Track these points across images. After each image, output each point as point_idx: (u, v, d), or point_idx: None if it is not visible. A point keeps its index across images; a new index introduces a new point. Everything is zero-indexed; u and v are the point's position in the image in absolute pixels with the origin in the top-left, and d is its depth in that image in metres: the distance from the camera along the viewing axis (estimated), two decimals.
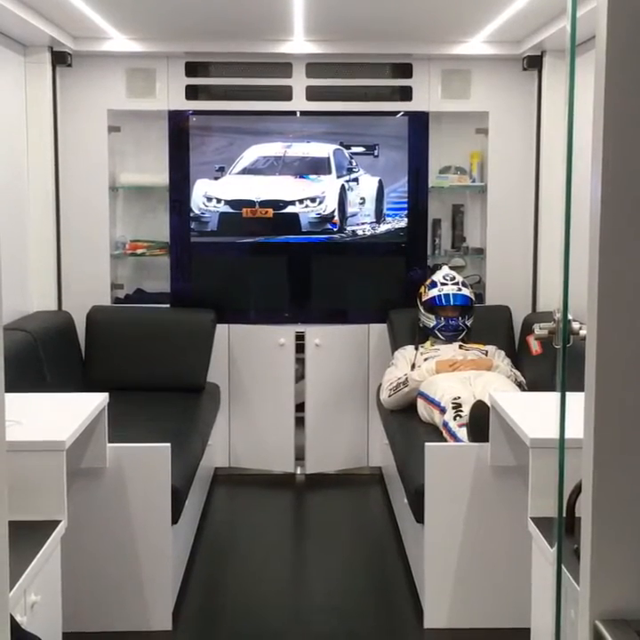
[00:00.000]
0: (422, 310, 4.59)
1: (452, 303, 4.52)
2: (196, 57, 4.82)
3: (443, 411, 3.82)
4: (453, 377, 4.07)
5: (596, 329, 1.31)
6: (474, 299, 4.61)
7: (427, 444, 3.23)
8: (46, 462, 2.56)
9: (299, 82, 4.85)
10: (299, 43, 4.67)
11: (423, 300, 4.59)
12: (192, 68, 4.85)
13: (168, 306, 4.94)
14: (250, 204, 4.87)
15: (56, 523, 2.56)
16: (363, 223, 4.95)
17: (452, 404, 3.76)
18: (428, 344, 4.53)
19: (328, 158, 4.89)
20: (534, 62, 4.71)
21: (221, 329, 4.85)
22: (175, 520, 3.22)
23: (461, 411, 3.69)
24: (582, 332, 1.65)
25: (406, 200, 4.94)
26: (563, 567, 1.84)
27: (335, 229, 4.92)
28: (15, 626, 2.01)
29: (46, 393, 3.60)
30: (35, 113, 4.57)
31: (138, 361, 4.62)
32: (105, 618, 3.18)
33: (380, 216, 4.95)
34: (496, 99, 4.88)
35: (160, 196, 4.99)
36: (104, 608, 3.18)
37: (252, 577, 3.72)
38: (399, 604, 3.46)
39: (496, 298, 4.94)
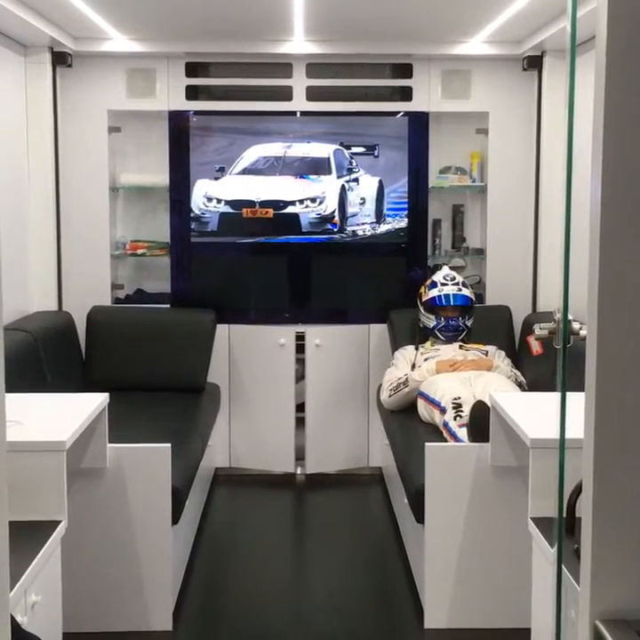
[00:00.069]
0: (422, 310, 4.59)
1: (452, 303, 4.52)
2: (197, 57, 4.82)
3: (443, 411, 3.82)
4: (454, 377, 4.07)
5: (597, 329, 1.31)
6: (474, 299, 4.61)
7: (427, 444, 3.23)
8: (46, 462, 2.56)
9: (299, 82, 4.85)
10: (299, 43, 4.67)
11: (423, 300, 4.59)
12: (192, 69, 4.86)
13: (168, 306, 4.94)
14: (250, 204, 4.87)
15: (56, 523, 2.56)
16: (363, 223, 4.95)
17: (453, 404, 3.76)
18: (428, 344, 4.53)
19: (328, 158, 4.89)
20: (534, 62, 4.71)
21: (222, 329, 4.85)
22: (175, 520, 3.22)
23: (462, 411, 3.69)
24: (582, 333, 1.65)
25: (406, 200, 4.94)
26: (563, 567, 1.84)
27: (335, 230, 4.92)
28: (15, 626, 2.01)
29: (47, 393, 3.60)
30: (35, 113, 4.57)
31: (138, 361, 4.62)
32: (105, 618, 3.18)
33: (380, 216, 4.95)
34: (496, 99, 4.88)
35: (160, 197, 4.99)
36: (104, 608, 3.18)
37: (253, 577, 3.72)
38: (399, 605, 3.46)
39: (496, 298, 4.95)
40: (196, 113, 4.88)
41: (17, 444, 2.46)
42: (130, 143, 5.03)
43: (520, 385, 4.20)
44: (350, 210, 4.92)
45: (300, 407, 4.91)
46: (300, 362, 4.89)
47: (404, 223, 4.96)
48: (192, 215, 4.89)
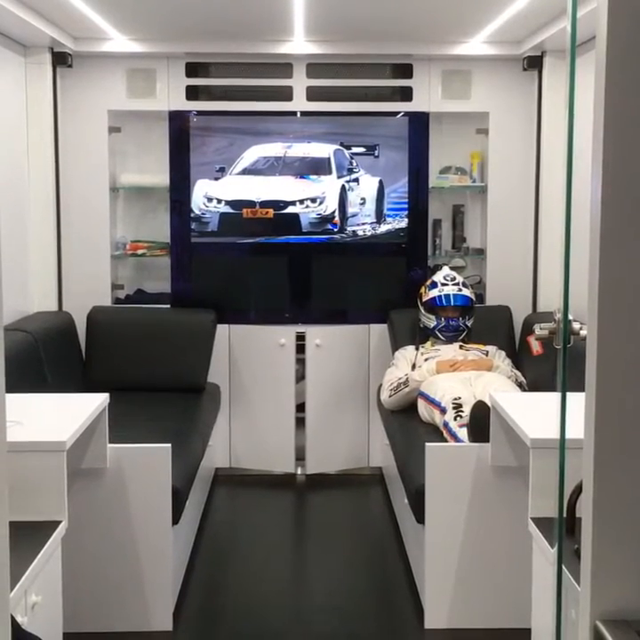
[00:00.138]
0: (423, 311, 4.59)
1: (452, 303, 4.52)
2: (197, 57, 4.82)
3: (443, 411, 3.82)
4: (454, 377, 4.07)
5: (597, 329, 1.31)
6: (474, 299, 4.61)
7: (427, 444, 3.23)
8: (47, 463, 2.56)
9: (299, 82, 4.85)
10: (299, 43, 4.68)
11: (423, 300, 4.59)
12: (192, 69, 4.86)
13: (168, 306, 4.94)
14: (250, 204, 4.87)
15: (56, 523, 2.56)
16: (363, 223, 4.95)
17: (453, 404, 3.76)
18: (428, 344, 4.53)
19: (328, 158, 4.89)
20: (534, 62, 4.71)
21: (222, 329, 4.85)
22: (176, 520, 3.22)
23: (462, 411, 3.69)
24: (583, 333, 1.65)
25: (407, 200, 4.94)
26: (563, 567, 1.84)
27: (335, 230, 4.92)
28: (16, 626, 2.01)
29: (47, 393, 3.60)
30: (35, 114, 4.57)
31: (138, 361, 4.62)
32: (105, 618, 3.18)
33: (380, 216, 4.95)
34: (496, 99, 4.88)
35: (160, 197, 4.99)
36: (105, 608, 3.18)
37: (253, 577, 3.72)
38: (400, 605, 3.46)
39: (496, 298, 4.95)
40: (197, 113, 4.88)
41: (17, 445, 2.46)
42: (130, 143, 5.03)
43: (520, 385, 4.20)
44: (350, 210, 4.92)
45: (301, 407, 4.91)
46: (301, 362, 4.89)
47: (404, 223, 4.96)
48: (192, 215, 4.89)
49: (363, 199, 4.93)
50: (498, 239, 4.96)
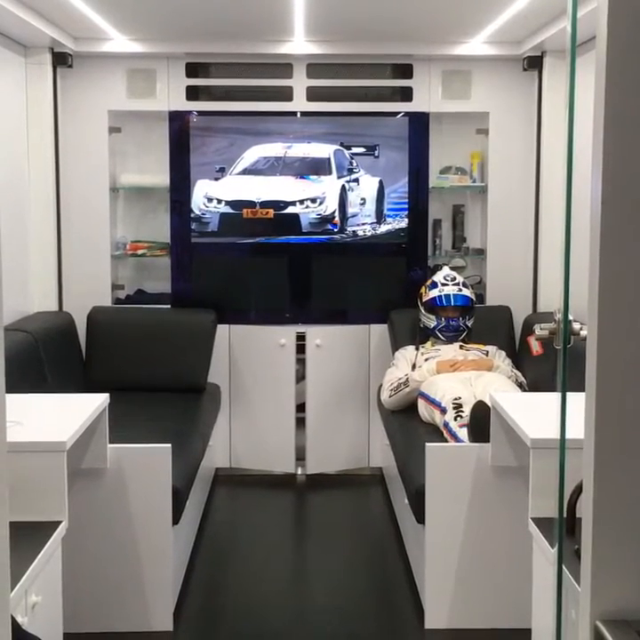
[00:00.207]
0: (423, 311, 4.59)
1: (452, 304, 4.52)
2: (197, 57, 4.83)
3: (443, 411, 3.82)
4: (454, 377, 4.07)
5: (597, 329, 1.31)
6: (474, 299, 4.61)
7: (427, 444, 3.23)
8: (47, 463, 2.56)
9: (299, 82, 4.85)
10: (299, 43, 4.68)
11: (424, 300, 4.59)
12: (192, 69, 4.86)
13: (169, 306, 4.94)
14: (250, 204, 4.88)
15: (57, 523, 2.56)
16: (363, 223, 4.95)
17: (453, 404, 3.76)
18: (428, 344, 4.53)
19: (328, 159, 4.89)
20: (535, 63, 4.71)
21: (222, 329, 4.85)
22: (176, 520, 3.22)
23: (462, 411, 3.69)
24: (583, 333, 1.65)
25: (407, 200, 4.94)
26: (563, 567, 1.84)
27: (336, 230, 4.92)
28: (16, 627, 2.01)
29: (47, 394, 3.60)
30: (35, 114, 4.57)
31: (138, 361, 4.62)
32: (106, 618, 3.18)
33: (380, 216, 4.95)
34: (496, 99, 4.88)
35: (161, 197, 4.99)
36: (105, 608, 3.18)
37: (253, 577, 3.72)
38: (400, 605, 3.46)
39: (496, 298, 4.95)
40: (197, 113, 4.88)
41: (17, 445, 2.46)
42: (130, 143, 5.03)
43: (520, 385, 4.20)
44: (350, 210, 4.92)
45: (301, 407, 4.91)
46: (301, 362, 4.89)
47: (404, 223, 4.96)
48: (192, 215, 4.89)
49: (363, 199, 4.93)
50: (498, 239, 4.96)
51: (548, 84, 4.70)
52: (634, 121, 1.27)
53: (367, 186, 4.92)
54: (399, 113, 4.92)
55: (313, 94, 4.86)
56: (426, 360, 4.34)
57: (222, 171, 4.89)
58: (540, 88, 4.75)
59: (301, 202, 4.87)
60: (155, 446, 3.17)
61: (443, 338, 4.51)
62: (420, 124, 4.90)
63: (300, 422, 4.91)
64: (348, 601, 3.51)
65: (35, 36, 4.24)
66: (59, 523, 2.56)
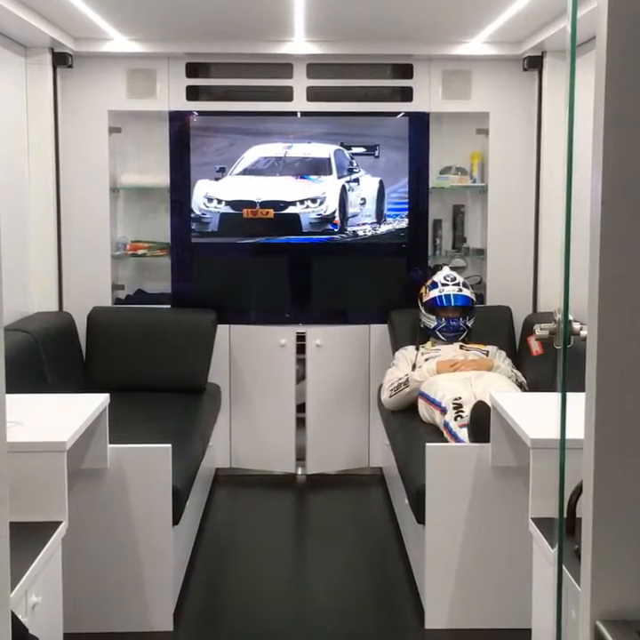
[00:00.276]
0: (423, 311, 4.59)
1: (452, 304, 4.52)
2: (197, 58, 4.83)
3: (443, 411, 3.82)
4: (454, 377, 4.07)
5: (597, 330, 1.31)
6: (474, 299, 4.61)
7: (428, 444, 3.23)
8: (47, 463, 2.56)
9: (299, 82, 4.85)
10: (299, 43, 4.68)
11: (424, 300, 4.59)
12: (193, 69, 4.86)
13: (169, 306, 4.94)
14: (250, 204, 4.88)
15: (57, 524, 2.56)
16: (363, 224, 4.95)
17: (453, 404, 3.76)
18: (428, 344, 4.53)
19: (329, 159, 4.89)
20: (535, 63, 4.71)
21: (222, 329, 4.85)
22: (176, 521, 3.22)
23: (462, 411, 3.69)
24: (583, 333, 1.65)
25: (407, 200, 4.94)
26: (563, 568, 1.84)
27: (336, 230, 4.92)
28: (17, 624, 2.01)
29: (47, 394, 3.60)
30: (35, 114, 4.57)
31: (139, 362, 4.62)
32: (106, 618, 3.18)
33: (380, 216, 4.95)
34: (497, 99, 4.88)
35: (161, 197, 4.99)
36: (105, 609, 3.18)
37: (253, 577, 3.72)
38: (400, 605, 3.46)
39: (497, 298, 4.94)
40: (197, 113, 4.88)
41: (17, 445, 2.46)
42: (130, 144, 5.03)
43: (520, 385, 4.20)
44: (351, 210, 4.92)
45: (301, 407, 4.91)
46: (301, 362, 4.89)
47: (404, 223, 4.96)
48: (192, 216, 4.89)
49: (363, 199, 4.93)
50: (498, 239, 4.96)
51: (548, 83, 4.70)
52: (634, 121, 1.27)
53: (367, 186, 4.92)
54: (399, 113, 4.92)
55: (313, 94, 4.86)
56: (426, 360, 4.34)
57: (222, 171, 4.89)
58: (540, 88, 4.75)
59: (302, 202, 4.87)
60: (155, 446, 3.17)
61: (443, 338, 4.51)
62: (420, 124, 4.90)
63: (301, 422, 4.91)
64: (348, 601, 3.51)
65: (35, 36, 4.24)
66: (59, 523, 2.56)
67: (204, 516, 4.31)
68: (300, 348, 4.87)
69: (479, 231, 5.13)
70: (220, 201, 4.88)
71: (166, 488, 3.15)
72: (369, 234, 4.95)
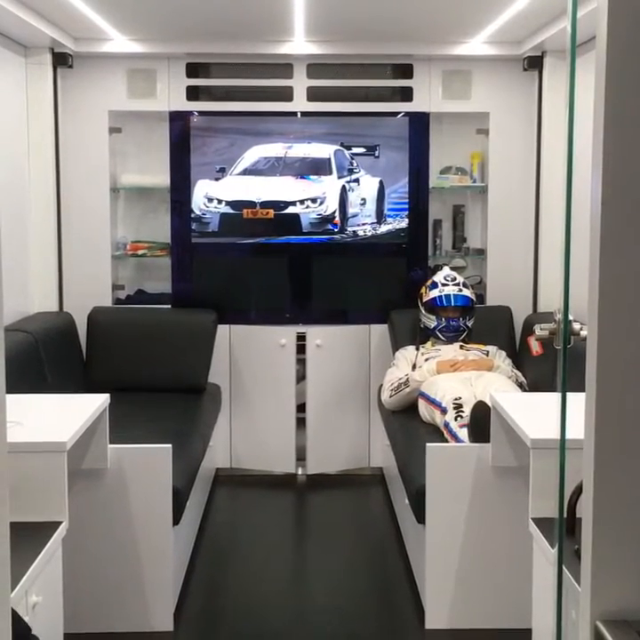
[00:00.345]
0: (423, 311, 4.59)
1: (452, 304, 4.52)
2: (197, 58, 4.83)
3: (444, 411, 3.82)
4: (454, 377, 4.07)
5: (597, 330, 1.31)
6: (475, 299, 4.61)
7: (428, 444, 3.23)
8: (47, 463, 2.56)
9: (299, 82, 4.85)
10: (299, 43, 4.68)
11: (424, 300, 4.59)
12: (193, 69, 4.86)
13: (169, 306, 4.94)
14: (251, 204, 4.88)
15: (57, 524, 2.56)
16: (363, 224, 4.95)
17: (453, 404, 3.76)
18: (428, 344, 4.53)
19: (329, 159, 4.89)
20: (535, 63, 4.71)
21: (222, 329, 4.85)
22: (176, 521, 3.22)
23: (462, 411, 3.69)
24: (583, 333, 1.65)
25: (407, 200, 4.94)
26: (563, 568, 1.84)
27: (336, 230, 4.92)
28: (20, 623, 2.01)
29: (47, 394, 3.60)
30: (36, 114, 4.57)
31: (139, 362, 4.62)
32: (106, 618, 3.18)
33: (380, 216, 4.95)
34: (497, 99, 4.88)
35: (161, 197, 4.99)
36: (105, 609, 3.18)
37: (254, 577, 3.72)
38: (400, 605, 3.46)
39: (497, 298, 4.94)
40: (197, 113, 4.88)
41: (18, 445, 2.46)
42: (130, 144, 5.03)
43: (521, 385, 4.20)
44: (351, 210, 4.92)
45: (301, 407, 4.91)
46: (301, 362, 4.89)
47: (404, 223, 4.96)
48: (193, 216, 4.89)
49: (363, 199, 4.93)
50: (498, 239, 4.96)
51: (548, 83, 4.70)
52: (634, 121, 1.27)
53: (367, 186, 4.92)
54: (399, 113, 4.92)
55: (313, 94, 4.86)
56: (426, 360, 4.34)
57: (223, 171, 4.89)
58: (540, 88, 4.75)
59: (302, 202, 4.88)
60: (155, 447, 3.17)
61: (443, 338, 4.51)
62: (420, 124, 4.90)
63: (301, 422, 4.91)
64: (348, 601, 3.51)
65: (35, 36, 4.25)
66: (59, 523, 2.56)
67: (204, 516, 4.31)
68: (301, 348, 4.87)
69: (479, 231, 5.13)
70: (220, 201, 4.88)
71: (166, 488, 3.15)
72: (369, 234, 4.95)
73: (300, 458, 4.93)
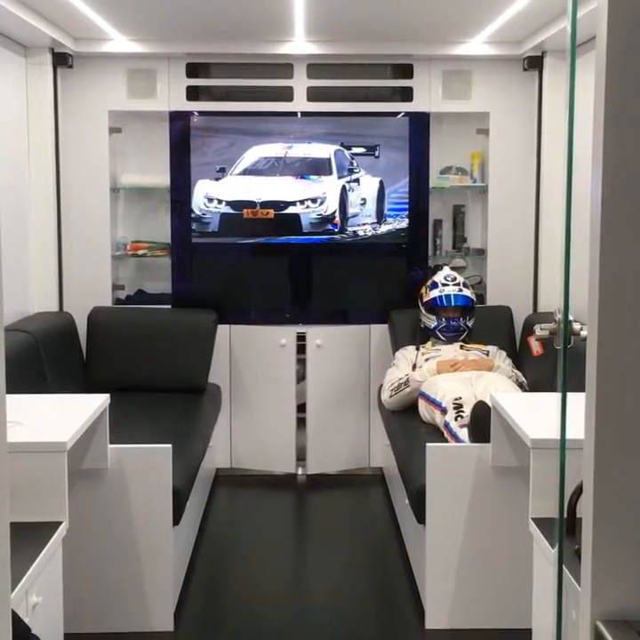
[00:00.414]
0: (423, 311, 4.59)
1: (453, 304, 4.52)
2: (197, 58, 4.83)
3: (444, 411, 3.82)
4: (454, 377, 4.07)
5: (597, 330, 1.31)
6: (475, 299, 4.61)
7: (428, 444, 3.23)
8: (47, 463, 2.56)
9: (300, 82, 4.85)
10: (299, 43, 4.68)
11: (424, 300, 4.59)
12: (193, 69, 4.86)
13: (169, 307, 4.94)
14: (251, 204, 4.88)
15: (57, 524, 2.56)
16: (364, 224, 4.95)
17: (454, 404, 3.76)
18: (429, 344, 4.53)
19: (329, 159, 4.89)
20: (535, 63, 4.71)
21: (222, 330, 4.85)
22: (176, 521, 3.22)
23: (462, 411, 3.69)
24: (583, 333, 1.65)
25: (407, 200, 4.94)
26: (564, 568, 1.84)
27: (336, 230, 4.92)
28: (17, 620, 2.01)
29: (47, 394, 3.61)
30: (36, 114, 4.57)
31: (139, 362, 4.62)
32: (106, 619, 3.18)
33: (380, 217, 4.95)
34: (497, 99, 4.88)
35: (161, 197, 4.99)
36: (105, 609, 3.18)
37: (254, 577, 3.72)
38: (400, 605, 3.46)
39: (497, 298, 4.94)
40: (197, 113, 4.88)
41: (18, 445, 2.46)
42: (130, 144, 5.03)
43: (521, 385, 4.20)
44: (351, 210, 4.92)
45: (301, 407, 4.91)
46: (301, 362, 4.89)
47: (404, 223, 4.96)
48: (193, 216, 4.89)
49: (363, 199, 4.93)
50: (498, 239, 4.96)
51: (548, 83, 4.70)
52: (634, 121, 1.27)
53: (368, 186, 4.92)
54: (399, 113, 4.92)
55: (313, 94, 4.86)
56: (426, 360, 4.34)
57: (223, 171, 4.89)
58: (540, 88, 4.75)
59: (302, 202, 4.88)
60: (155, 447, 3.17)
61: (443, 338, 4.51)
62: (420, 124, 4.90)
63: (301, 422, 4.91)
64: (348, 601, 3.51)
65: (35, 36, 4.25)
66: (59, 523, 2.56)
67: (204, 517, 4.31)
68: (301, 348, 4.87)
69: (479, 231, 5.13)
70: (220, 201, 4.88)
71: (166, 488, 3.15)
72: (369, 234, 4.95)
73: (300, 458, 4.93)
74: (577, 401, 1.50)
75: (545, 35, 4.31)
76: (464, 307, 4.54)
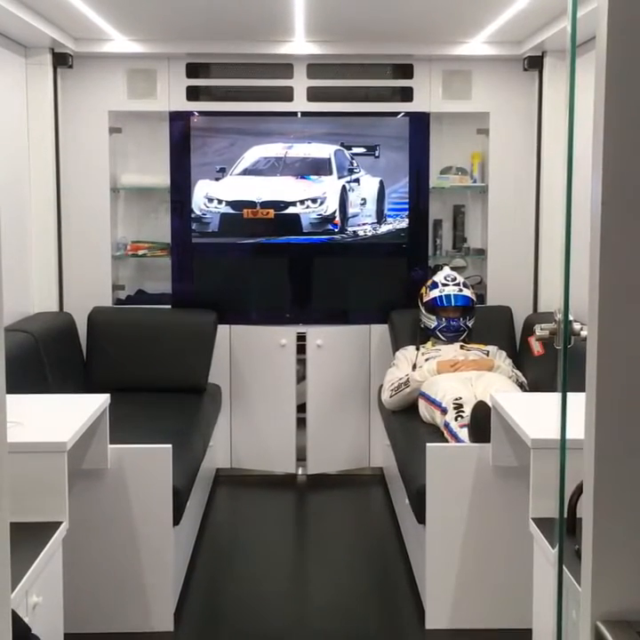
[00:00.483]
0: (423, 311, 4.59)
1: (453, 304, 4.52)
2: (197, 58, 4.83)
3: (444, 411, 3.82)
4: (454, 377, 4.07)
5: (597, 330, 1.31)
6: (475, 299, 4.61)
7: (428, 444, 3.23)
8: (48, 463, 2.56)
9: (300, 82, 4.85)
10: (300, 43, 4.68)
11: (424, 300, 4.59)
12: (193, 69, 4.86)
13: (169, 307, 4.94)
14: (251, 204, 4.88)
15: (57, 524, 2.56)
16: (364, 224, 4.95)
17: (454, 404, 3.76)
18: (429, 344, 4.53)
19: (329, 159, 4.89)
20: (535, 63, 4.71)
21: (223, 330, 4.85)
22: (177, 521, 3.22)
23: (463, 411, 3.69)
24: (583, 333, 1.65)
25: (407, 201, 4.94)
26: (564, 568, 1.84)
27: (336, 230, 4.92)
28: (18, 620, 2.01)
29: (47, 394, 3.61)
30: (36, 114, 4.58)
31: (139, 362, 4.62)
32: (106, 619, 3.18)
33: (380, 217, 4.95)
34: (497, 99, 4.88)
35: (161, 197, 4.99)
36: (105, 609, 3.18)
37: (254, 578, 3.72)
38: (400, 605, 3.46)
39: (497, 298, 4.94)
40: (198, 113, 4.88)
41: (18, 445, 2.46)
42: (131, 144, 5.03)
43: (521, 385, 4.20)
44: (351, 210, 4.92)
45: (302, 408, 4.91)
46: (301, 362, 4.89)
47: (404, 223, 4.96)
48: (193, 216, 4.89)
49: (363, 199, 4.93)
50: (498, 239, 4.96)
51: (548, 83, 4.71)
52: (634, 121, 1.27)
53: (368, 186, 4.92)
54: (399, 113, 4.92)
55: (313, 94, 4.86)
56: (426, 360, 4.34)
57: (223, 171, 4.89)
58: (540, 88, 4.75)
59: (302, 202, 4.88)
60: (155, 447, 3.17)
61: (443, 338, 4.51)
62: (420, 124, 4.90)
63: (301, 422, 4.91)
64: (348, 601, 3.51)
65: (35, 36, 4.25)
66: (59, 523, 2.56)
67: (204, 517, 4.31)
68: (301, 349, 4.87)
69: (479, 231, 5.13)
70: (220, 201, 4.88)
71: (167, 488, 3.15)
72: (369, 234, 4.95)
73: (301, 458, 4.93)
74: (577, 401, 1.50)
75: (545, 35, 4.31)
76: (464, 307, 4.54)
